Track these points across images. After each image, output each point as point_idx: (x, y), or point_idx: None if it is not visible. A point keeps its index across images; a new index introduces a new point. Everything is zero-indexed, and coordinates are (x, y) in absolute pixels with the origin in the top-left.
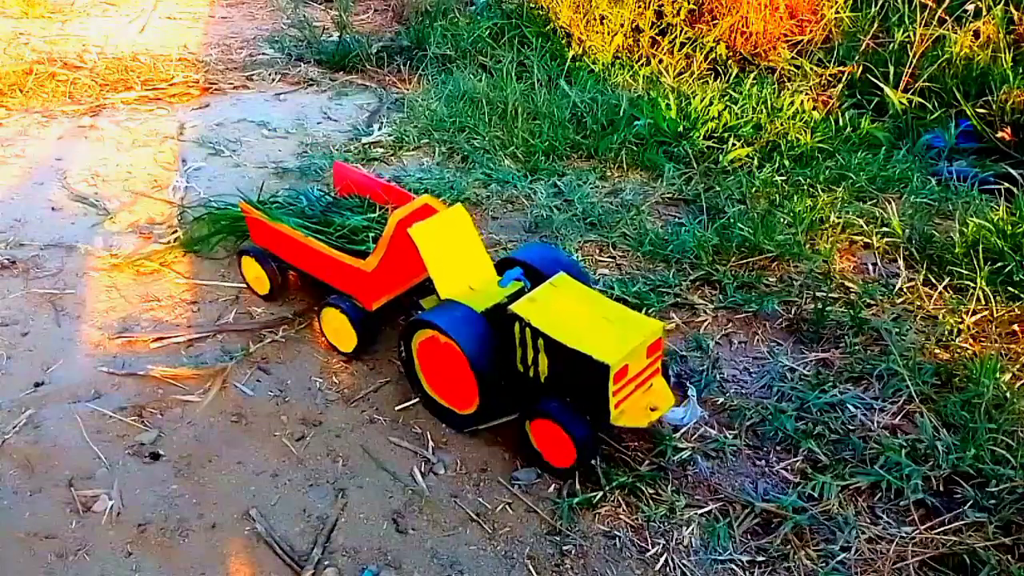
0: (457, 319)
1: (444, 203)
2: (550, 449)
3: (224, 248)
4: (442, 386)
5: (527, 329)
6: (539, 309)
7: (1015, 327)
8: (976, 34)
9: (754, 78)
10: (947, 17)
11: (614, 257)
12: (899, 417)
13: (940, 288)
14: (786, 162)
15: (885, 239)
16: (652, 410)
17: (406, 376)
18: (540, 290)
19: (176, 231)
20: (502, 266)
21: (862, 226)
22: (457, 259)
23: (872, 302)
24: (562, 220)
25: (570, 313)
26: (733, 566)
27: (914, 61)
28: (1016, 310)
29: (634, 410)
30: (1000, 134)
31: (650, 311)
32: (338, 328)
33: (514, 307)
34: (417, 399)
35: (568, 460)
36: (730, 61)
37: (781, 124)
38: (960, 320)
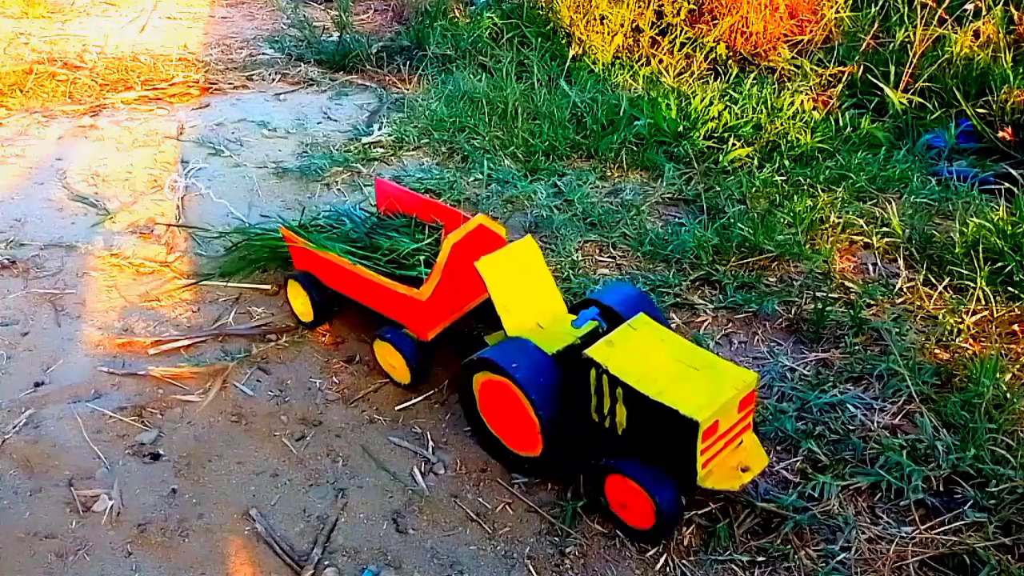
0: (524, 362)
1: (496, 221)
2: (626, 508)
3: (224, 248)
4: (502, 424)
5: (604, 376)
6: (618, 354)
7: (1015, 327)
8: (976, 34)
9: (754, 78)
10: (947, 17)
11: (614, 257)
12: (899, 417)
13: (940, 288)
14: (786, 162)
15: (885, 239)
16: (743, 471)
17: (462, 407)
18: (618, 332)
19: (185, 249)
20: (579, 308)
21: (862, 226)
22: (526, 294)
23: (872, 302)
24: (562, 220)
25: (652, 360)
26: (733, 566)
27: (914, 61)
28: (1016, 310)
29: (723, 471)
30: (1000, 134)
31: None
32: (395, 365)
33: (590, 351)
34: (418, 399)
35: (646, 523)
36: (730, 61)
37: (781, 124)
38: (960, 320)
